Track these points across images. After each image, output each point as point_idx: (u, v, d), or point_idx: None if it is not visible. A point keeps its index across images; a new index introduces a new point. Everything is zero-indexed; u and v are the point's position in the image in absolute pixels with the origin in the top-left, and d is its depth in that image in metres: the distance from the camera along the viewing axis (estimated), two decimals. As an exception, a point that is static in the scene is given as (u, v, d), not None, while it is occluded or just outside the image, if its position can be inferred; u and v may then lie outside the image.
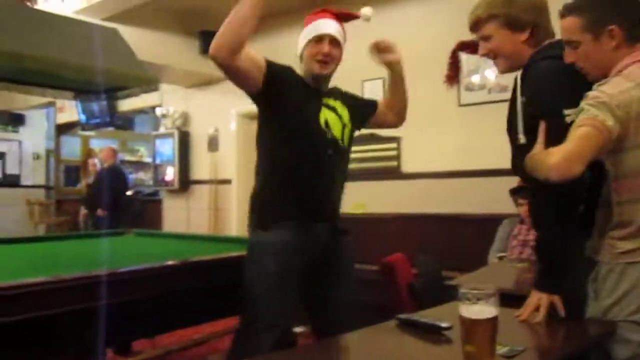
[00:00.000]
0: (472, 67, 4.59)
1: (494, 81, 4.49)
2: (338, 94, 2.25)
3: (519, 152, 1.78)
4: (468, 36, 4.48)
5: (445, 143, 4.68)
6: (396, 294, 3.21)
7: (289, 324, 2.10)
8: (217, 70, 1.99)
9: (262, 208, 2.09)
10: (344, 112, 2.19)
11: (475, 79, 4.56)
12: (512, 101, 1.84)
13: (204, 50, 5.65)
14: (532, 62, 1.74)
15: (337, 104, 2.18)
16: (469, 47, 4.56)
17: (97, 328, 1.86)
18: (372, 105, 2.39)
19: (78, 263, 2.49)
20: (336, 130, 2.12)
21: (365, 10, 2.15)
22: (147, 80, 2.82)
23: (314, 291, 2.15)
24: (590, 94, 1.51)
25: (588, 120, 1.44)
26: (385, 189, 4.96)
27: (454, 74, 4.63)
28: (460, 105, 4.64)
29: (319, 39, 2.07)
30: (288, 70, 2.09)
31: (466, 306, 1.25)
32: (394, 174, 4.94)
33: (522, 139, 1.78)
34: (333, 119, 2.12)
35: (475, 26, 1.90)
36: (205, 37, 5.71)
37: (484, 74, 4.53)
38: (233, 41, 1.83)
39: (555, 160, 1.43)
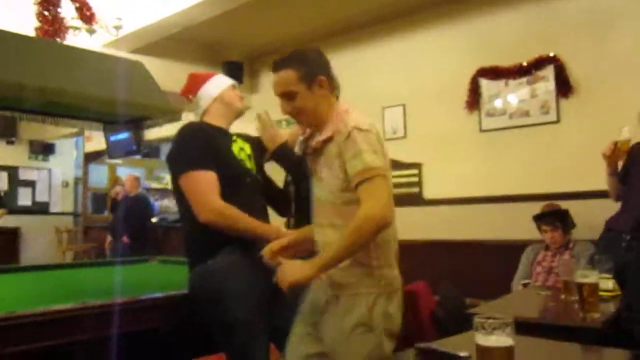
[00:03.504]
0: (492, 92, 4.59)
1: (515, 106, 4.48)
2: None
3: None
4: (487, 62, 4.56)
5: (467, 169, 4.67)
6: (418, 323, 3.18)
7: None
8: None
9: (203, 241, 2.13)
10: (246, 146, 2.35)
11: (498, 103, 4.56)
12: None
13: (227, 79, 5.76)
14: None
15: (239, 139, 2.34)
16: (489, 73, 4.58)
17: (121, 356, 1.88)
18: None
19: (101, 290, 2.53)
20: (246, 161, 2.29)
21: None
22: (170, 111, 2.90)
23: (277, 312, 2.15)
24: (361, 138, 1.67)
25: (374, 171, 1.63)
26: (407, 215, 4.92)
27: (473, 100, 4.64)
28: (482, 131, 4.64)
29: (234, 86, 2.37)
30: (204, 133, 2.20)
31: (482, 335, 1.24)
32: (415, 200, 4.93)
33: None
34: (242, 153, 2.29)
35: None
36: (229, 67, 5.85)
37: (506, 99, 4.53)
38: None
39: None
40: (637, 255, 2.69)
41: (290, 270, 1.71)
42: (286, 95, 1.77)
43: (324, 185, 1.77)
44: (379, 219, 1.60)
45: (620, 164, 3.11)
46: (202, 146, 2.11)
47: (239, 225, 2.06)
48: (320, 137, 1.76)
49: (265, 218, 2.29)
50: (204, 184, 2.06)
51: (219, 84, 2.34)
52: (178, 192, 2.15)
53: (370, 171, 1.62)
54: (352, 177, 1.65)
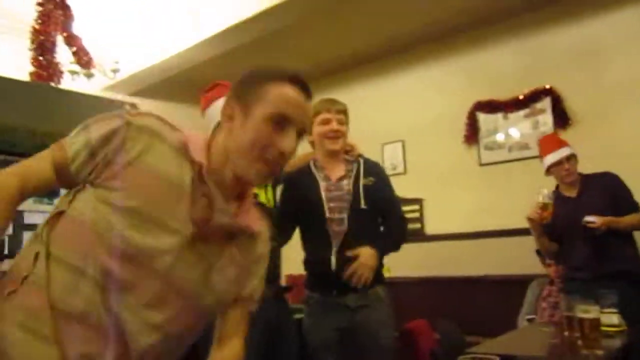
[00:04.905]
0: (490, 126, 4.58)
1: (514, 139, 4.46)
2: None
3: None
4: (484, 96, 4.57)
5: (468, 203, 4.62)
6: (418, 362, 3.09)
7: None
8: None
9: None
10: None
11: (497, 136, 4.54)
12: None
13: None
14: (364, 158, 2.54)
15: None
16: (486, 107, 4.58)
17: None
18: None
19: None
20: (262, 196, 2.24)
21: None
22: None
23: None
24: None
25: None
26: (409, 251, 4.83)
27: (472, 134, 4.63)
28: (481, 165, 4.61)
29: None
30: None
31: (466, 376, 1.19)
32: (417, 235, 4.86)
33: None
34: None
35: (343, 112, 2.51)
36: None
37: (505, 132, 4.51)
38: None
39: None
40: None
41: None
42: (303, 132, 1.20)
43: (216, 292, 1.16)
44: None
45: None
46: None
47: None
48: (249, 222, 1.20)
49: (276, 263, 2.27)
50: None
51: None
52: None
53: None
54: (251, 295, 1.26)
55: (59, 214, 1.12)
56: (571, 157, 3.10)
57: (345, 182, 2.41)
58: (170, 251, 1.07)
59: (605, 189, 3.02)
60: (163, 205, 1.08)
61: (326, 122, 2.44)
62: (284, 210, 2.43)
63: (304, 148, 2.50)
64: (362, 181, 2.41)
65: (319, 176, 2.44)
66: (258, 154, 1.10)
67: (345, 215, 2.34)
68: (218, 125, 1.20)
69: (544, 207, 2.90)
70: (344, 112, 2.49)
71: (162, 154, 1.10)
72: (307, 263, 2.49)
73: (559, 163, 3.12)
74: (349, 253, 2.27)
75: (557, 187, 3.21)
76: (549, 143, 3.22)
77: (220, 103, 2.07)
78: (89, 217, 1.06)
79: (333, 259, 2.30)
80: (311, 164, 2.49)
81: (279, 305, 2.23)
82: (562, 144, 3.17)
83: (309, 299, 2.44)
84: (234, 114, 1.14)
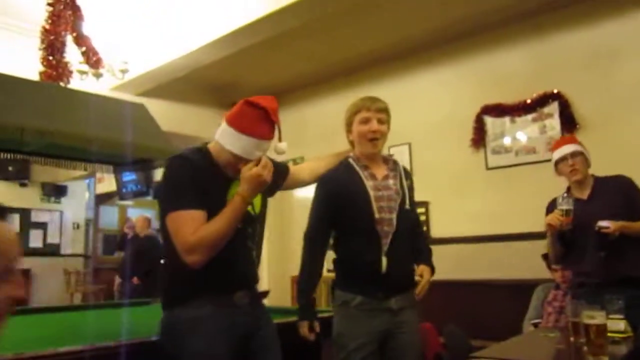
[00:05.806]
0: (497, 130, 4.57)
1: (521, 143, 4.45)
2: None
3: None
4: (491, 100, 4.56)
5: (474, 207, 4.61)
6: (424, 366, 3.08)
7: None
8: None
9: (175, 283, 1.97)
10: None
11: (504, 140, 4.54)
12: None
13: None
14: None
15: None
16: (493, 110, 4.58)
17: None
18: (284, 169, 2.35)
19: (93, 334, 2.49)
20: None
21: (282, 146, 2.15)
22: (169, 152, 2.91)
23: None
24: None
25: None
26: (414, 254, 4.87)
27: (479, 137, 4.62)
28: (488, 169, 4.60)
29: None
30: (191, 169, 1.93)
31: (471, 382, 1.19)
32: (423, 239, 4.86)
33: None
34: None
35: (384, 111, 2.42)
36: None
37: (512, 136, 4.50)
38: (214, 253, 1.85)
39: None
40: None
41: None
42: None
43: None
44: None
45: None
46: (187, 183, 1.87)
47: (219, 234, 1.82)
48: None
49: (252, 261, 2.09)
50: (182, 224, 1.84)
51: None
52: (163, 230, 1.94)
53: None
54: None
55: None
56: (577, 154, 3.01)
57: (391, 181, 2.38)
58: None
59: (619, 192, 2.94)
60: None
61: (366, 121, 2.37)
62: (322, 210, 2.37)
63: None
64: (404, 182, 2.40)
65: (363, 174, 2.37)
66: None
67: (394, 216, 2.30)
68: None
69: (566, 213, 2.86)
70: (384, 110, 2.41)
71: None
72: (346, 264, 2.39)
73: (563, 159, 3.07)
74: (417, 277, 2.34)
75: (568, 189, 3.16)
76: (558, 142, 3.16)
77: (223, 128, 1.96)
78: None
79: (384, 260, 2.26)
80: (352, 162, 2.41)
81: (256, 312, 2.07)
82: (570, 141, 3.11)
83: (348, 300, 2.32)
84: None
